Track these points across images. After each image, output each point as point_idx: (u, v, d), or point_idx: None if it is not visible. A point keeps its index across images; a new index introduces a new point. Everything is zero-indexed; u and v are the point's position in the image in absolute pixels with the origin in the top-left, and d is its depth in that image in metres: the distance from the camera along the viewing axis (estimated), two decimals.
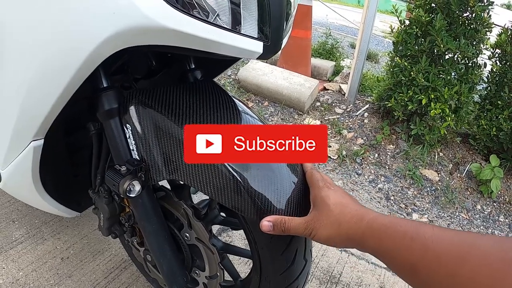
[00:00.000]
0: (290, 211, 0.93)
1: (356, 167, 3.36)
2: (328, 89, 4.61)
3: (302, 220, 0.87)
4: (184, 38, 0.76)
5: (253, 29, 0.83)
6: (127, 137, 1.02)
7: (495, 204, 3.18)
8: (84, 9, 0.74)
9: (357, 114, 3.99)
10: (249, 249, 1.14)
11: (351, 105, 4.17)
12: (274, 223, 0.89)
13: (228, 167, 0.90)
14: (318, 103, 4.26)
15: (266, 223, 0.89)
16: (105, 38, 0.74)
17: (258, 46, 0.84)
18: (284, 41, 0.93)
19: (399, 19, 3.52)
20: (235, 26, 0.80)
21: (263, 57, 0.88)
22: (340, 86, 4.57)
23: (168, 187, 1.23)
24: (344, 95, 4.38)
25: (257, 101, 4.20)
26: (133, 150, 1.02)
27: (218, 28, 0.77)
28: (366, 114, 3.97)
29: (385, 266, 2.02)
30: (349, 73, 4.46)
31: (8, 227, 2.00)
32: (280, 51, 0.92)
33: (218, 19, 0.77)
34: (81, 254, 1.91)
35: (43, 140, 1.09)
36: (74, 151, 1.33)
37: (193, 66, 1.22)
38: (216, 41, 0.77)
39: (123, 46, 0.79)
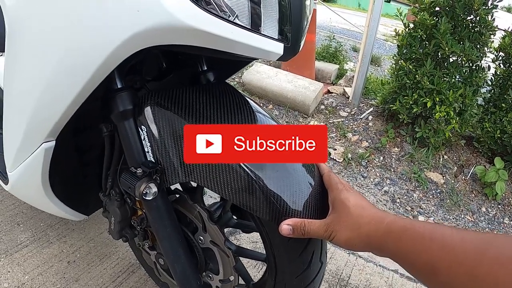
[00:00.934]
0: (308, 213, 0.92)
1: (361, 170, 3.36)
2: (332, 92, 4.61)
3: (322, 223, 0.86)
4: (207, 38, 0.75)
5: (274, 30, 0.82)
6: (142, 138, 1.01)
7: (499, 206, 3.18)
8: (106, 7, 0.73)
9: (361, 117, 3.99)
10: (262, 251, 1.13)
11: (356, 108, 4.17)
12: (294, 226, 0.88)
13: (245, 168, 0.89)
14: (322, 106, 4.26)
15: (285, 227, 0.88)
16: (128, 36, 0.73)
17: (278, 47, 0.83)
18: (302, 43, 0.92)
19: (404, 22, 3.52)
20: (256, 26, 0.79)
21: (282, 58, 0.87)
22: (344, 89, 4.58)
23: (181, 189, 1.22)
24: (348, 98, 4.39)
25: (261, 104, 4.18)
26: (147, 152, 1.01)
27: (240, 28, 0.76)
28: (370, 117, 3.97)
29: (393, 268, 2.03)
30: (352, 76, 4.47)
31: (13, 230, 2.00)
32: (298, 52, 0.91)
33: (237, 19, 0.76)
34: (87, 258, 1.90)
35: (54, 141, 1.08)
36: (83, 151, 1.31)
37: (205, 68, 1.21)
38: (238, 41, 0.76)
39: (144, 45, 0.77)
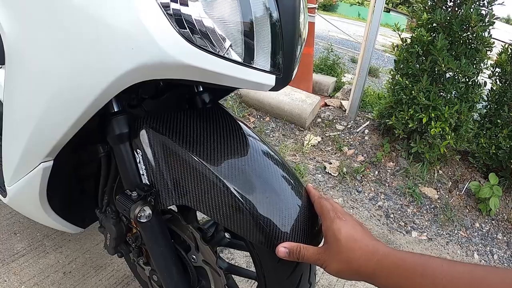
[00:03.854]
0: (297, 237, 0.94)
1: (356, 184, 3.37)
2: (329, 105, 4.62)
3: (315, 251, 0.88)
4: (200, 73, 0.77)
5: (266, 62, 0.84)
6: (137, 161, 1.03)
7: (493, 222, 3.19)
8: (103, 44, 0.76)
9: (357, 131, 4.00)
10: (253, 269, 1.15)
11: (352, 121, 4.18)
12: (290, 250, 0.90)
13: (235, 193, 0.91)
14: (319, 119, 4.28)
15: (282, 249, 0.90)
16: (123, 72, 0.76)
17: (270, 79, 0.85)
18: (295, 71, 0.94)
19: (401, 37, 3.54)
20: (248, 59, 0.81)
21: (274, 89, 0.89)
22: (341, 102, 4.59)
23: (175, 209, 1.24)
24: (345, 111, 4.39)
25: (258, 117, 4.22)
26: (143, 174, 1.03)
27: (232, 63, 0.78)
28: (366, 131, 3.98)
29: None
30: (350, 89, 4.47)
31: (10, 240, 2.01)
32: (290, 82, 0.93)
33: (231, 50, 0.78)
34: (83, 269, 1.92)
35: (52, 161, 1.10)
36: (81, 167, 1.33)
37: (201, 89, 1.23)
38: (230, 75, 0.78)
39: (139, 80, 0.80)
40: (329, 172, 3.46)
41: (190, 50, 0.73)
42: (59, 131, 0.95)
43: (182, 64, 0.74)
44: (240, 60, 0.80)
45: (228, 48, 0.78)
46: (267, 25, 0.81)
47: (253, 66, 0.82)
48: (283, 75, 0.88)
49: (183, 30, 0.72)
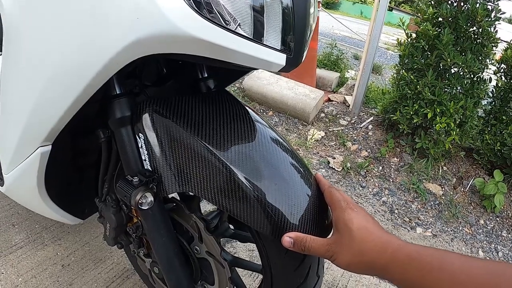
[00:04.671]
0: (305, 227, 0.90)
1: (360, 179, 3.35)
2: (332, 100, 4.61)
3: (324, 242, 0.84)
4: (208, 48, 0.73)
5: (277, 40, 0.80)
6: (139, 146, 0.99)
7: (498, 219, 3.17)
8: (106, 13, 0.72)
9: (361, 126, 3.99)
10: (259, 262, 1.11)
11: (356, 117, 4.17)
12: (295, 240, 0.86)
13: (243, 180, 0.88)
14: (322, 114, 4.26)
15: (287, 239, 0.87)
16: (127, 44, 0.72)
17: (281, 58, 0.82)
18: (305, 53, 0.91)
19: (406, 32, 3.52)
20: (258, 36, 0.77)
21: (285, 69, 0.85)
22: (344, 98, 4.57)
23: (178, 198, 1.20)
24: (348, 106, 4.38)
25: (261, 111, 4.20)
26: (145, 160, 0.99)
27: (242, 38, 0.74)
28: (370, 126, 3.96)
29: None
30: (353, 85, 4.47)
31: (8, 231, 1.98)
32: (301, 63, 0.89)
33: (239, 28, 0.74)
34: (82, 262, 1.89)
35: (51, 146, 1.07)
36: (80, 155, 1.30)
37: (206, 75, 1.19)
38: (240, 51, 0.75)
39: (144, 53, 0.76)
40: (333, 167, 3.43)
41: (199, 23, 0.69)
42: (58, 112, 0.91)
43: (190, 37, 0.69)
44: (250, 36, 0.76)
45: (238, 23, 0.74)
46: (278, 3, 0.78)
47: (264, 43, 0.78)
48: (294, 55, 0.84)
49: (192, 1, 0.68)
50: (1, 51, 1.01)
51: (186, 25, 0.68)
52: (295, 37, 0.82)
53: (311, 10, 0.88)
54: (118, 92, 0.98)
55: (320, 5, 4.72)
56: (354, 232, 0.79)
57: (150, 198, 0.97)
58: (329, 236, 0.87)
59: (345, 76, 5.70)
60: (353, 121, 4.11)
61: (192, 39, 0.70)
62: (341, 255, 0.80)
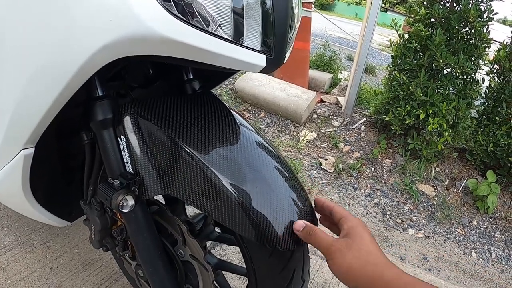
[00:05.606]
0: (289, 230, 0.90)
1: (352, 181, 3.35)
2: (325, 101, 4.61)
3: (331, 238, 0.84)
4: (184, 49, 0.73)
5: (256, 41, 0.80)
6: (121, 149, 0.99)
7: (491, 220, 3.17)
8: (80, 15, 0.71)
9: (354, 127, 3.98)
10: (244, 265, 1.11)
11: (348, 118, 4.17)
12: (307, 226, 0.89)
13: (225, 183, 0.88)
14: (315, 115, 4.26)
15: (300, 223, 0.89)
16: (100, 46, 0.71)
17: (261, 60, 0.81)
18: (287, 54, 0.90)
19: (398, 33, 3.52)
20: (238, 37, 0.77)
21: (265, 71, 0.85)
22: (337, 99, 4.58)
23: (163, 201, 1.20)
24: (341, 107, 4.38)
25: (253, 112, 4.19)
26: (126, 162, 0.99)
27: (220, 39, 0.74)
28: (363, 127, 3.96)
29: None
30: (346, 86, 4.47)
31: None
32: (282, 64, 0.89)
33: (219, 29, 0.74)
34: (71, 264, 1.88)
35: (34, 148, 1.06)
36: (66, 157, 1.30)
37: (191, 77, 1.19)
38: (217, 53, 0.74)
39: (119, 55, 0.75)
40: (325, 168, 3.43)
41: (173, 24, 0.68)
42: (38, 114, 0.90)
43: (164, 39, 0.69)
44: (228, 37, 0.75)
45: (218, 25, 0.73)
46: (258, 5, 0.78)
47: (243, 44, 0.78)
48: (275, 56, 0.84)
49: (166, 2, 0.67)
50: None
51: (159, 26, 0.68)
52: (276, 38, 0.82)
53: (295, 10, 0.88)
54: (100, 94, 0.97)
55: (312, 6, 4.71)
56: (366, 242, 0.81)
57: (131, 201, 0.96)
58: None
59: (338, 77, 5.70)
60: (345, 122, 4.11)
61: (166, 41, 0.69)
62: (344, 257, 0.80)
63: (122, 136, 0.97)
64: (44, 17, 0.77)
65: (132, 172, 0.98)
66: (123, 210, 0.95)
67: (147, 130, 0.95)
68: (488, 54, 3.36)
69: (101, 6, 0.68)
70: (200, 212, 1.28)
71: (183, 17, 0.69)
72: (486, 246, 2.93)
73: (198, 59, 0.77)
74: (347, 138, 3.84)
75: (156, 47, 0.73)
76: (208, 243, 2.12)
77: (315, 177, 3.31)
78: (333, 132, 3.95)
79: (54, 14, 0.75)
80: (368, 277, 0.76)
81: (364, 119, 4.09)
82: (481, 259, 2.79)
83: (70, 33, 0.74)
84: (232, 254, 2.13)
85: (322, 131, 4.00)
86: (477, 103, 3.56)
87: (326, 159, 3.54)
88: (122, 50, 0.74)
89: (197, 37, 0.71)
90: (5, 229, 2.01)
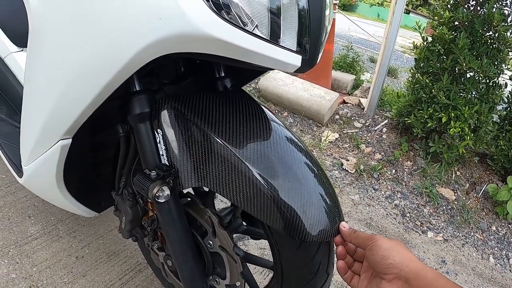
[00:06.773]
0: (317, 223, 0.93)
1: (373, 182, 3.35)
2: (347, 103, 4.60)
3: (368, 234, 0.90)
4: (226, 48, 0.75)
5: (292, 42, 0.82)
6: (158, 142, 1.02)
7: (510, 226, 3.15)
8: (129, 13, 0.74)
9: (375, 129, 3.98)
10: (270, 259, 1.13)
11: (370, 119, 4.16)
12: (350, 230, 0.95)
13: (258, 177, 0.90)
14: (337, 116, 4.26)
15: (346, 226, 0.96)
16: (149, 43, 0.74)
17: (296, 60, 0.84)
18: (320, 55, 0.93)
19: (422, 35, 3.51)
20: (275, 38, 0.79)
21: (300, 70, 0.87)
22: (359, 100, 4.56)
23: (193, 193, 1.23)
24: (363, 109, 4.37)
25: (276, 111, 4.21)
26: (162, 155, 1.02)
27: (259, 39, 0.76)
28: (384, 129, 3.95)
29: None
30: (369, 87, 4.45)
31: (24, 222, 2.02)
32: (315, 65, 0.91)
33: (257, 30, 0.77)
34: (96, 254, 1.92)
35: (71, 139, 1.09)
36: (98, 150, 1.33)
37: (223, 74, 1.21)
38: (256, 52, 0.77)
39: (164, 52, 0.78)
40: (346, 169, 3.44)
41: (218, 24, 0.71)
42: (79, 107, 0.94)
43: (210, 38, 0.72)
44: (266, 37, 0.78)
45: (256, 24, 0.76)
46: (294, 6, 0.80)
47: (280, 44, 0.81)
48: (309, 56, 0.86)
49: (211, 2, 0.70)
50: (25, 47, 1.03)
51: (205, 25, 0.70)
52: (311, 39, 0.84)
53: (327, 12, 0.90)
54: (138, 89, 1.01)
55: (337, 7, 4.70)
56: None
57: (166, 191, 0.99)
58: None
59: (361, 78, 5.68)
60: (367, 124, 4.10)
61: (212, 39, 0.72)
62: (388, 249, 0.84)
63: (158, 130, 1.00)
64: (93, 15, 0.80)
65: (168, 164, 1.01)
66: (159, 200, 0.98)
67: (183, 124, 0.97)
68: (511, 58, 3.34)
69: (151, 5, 0.71)
70: (227, 206, 1.32)
71: (226, 17, 0.72)
72: (504, 252, 2.91)
73: (238, 57, 0.79)
74: (369, 140, 3.84)
75: (201, 45, 0.76)
76: None
77: (336, 177, 3.31)
78: (355, 133, 3.95)
79: (105, 13, 0.77)
80: (415, 274, 0.79)
81: (386, 121, 4.07)
82: (498, 265, 2.77)
83: (120, 29, 0.77)
84: (254, 249, 2.16)
85: (344, 132, 4.01)
86: (499, 107, 3.52)
87: (348, 160, 3.54)
88: (168, 48, 0.77)
89: (239, 37, 0.74)
90: (32, 218, 2.05)
